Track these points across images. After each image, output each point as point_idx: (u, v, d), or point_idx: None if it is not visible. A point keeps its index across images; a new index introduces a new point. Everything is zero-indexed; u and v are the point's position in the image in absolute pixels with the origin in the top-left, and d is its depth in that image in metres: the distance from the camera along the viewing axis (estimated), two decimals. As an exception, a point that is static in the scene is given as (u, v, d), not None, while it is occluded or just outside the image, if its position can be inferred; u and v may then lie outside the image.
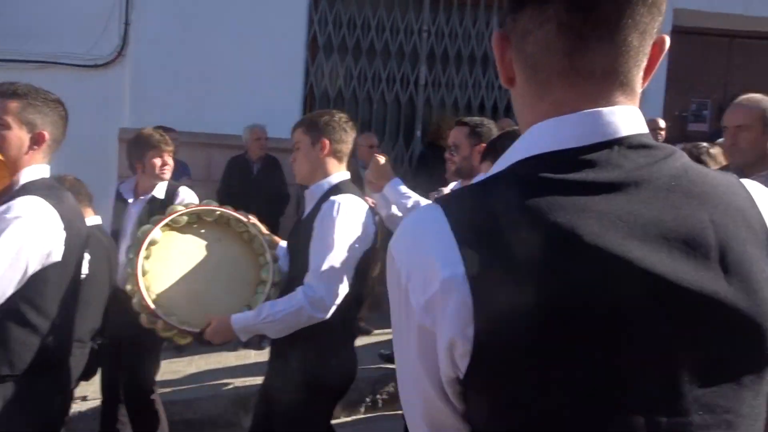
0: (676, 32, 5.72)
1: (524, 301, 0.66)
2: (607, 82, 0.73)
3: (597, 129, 0.72)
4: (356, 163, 5.15)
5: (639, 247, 0.67)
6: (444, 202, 0.74)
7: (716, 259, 0.69)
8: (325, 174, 2.27)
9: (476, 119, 2.92)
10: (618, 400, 0.69)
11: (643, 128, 0.74)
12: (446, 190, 2.65)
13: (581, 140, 0.72)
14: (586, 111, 0.72)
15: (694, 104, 7.09)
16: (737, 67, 6.91)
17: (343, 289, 2.12)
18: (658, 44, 0.75)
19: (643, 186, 0.70)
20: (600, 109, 0.72)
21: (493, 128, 2.78)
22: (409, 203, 2.86)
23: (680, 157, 0.74)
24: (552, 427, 0.69)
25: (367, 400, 4.18)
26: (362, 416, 4.15)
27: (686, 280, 0.68)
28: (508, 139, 2.02)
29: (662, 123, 5.56)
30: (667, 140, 5.01)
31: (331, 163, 2.27)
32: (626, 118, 0.73)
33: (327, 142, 2.24)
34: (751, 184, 0.76)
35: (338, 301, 2.11)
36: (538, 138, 0.74)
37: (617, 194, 0.69)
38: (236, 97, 5.46)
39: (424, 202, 2.93)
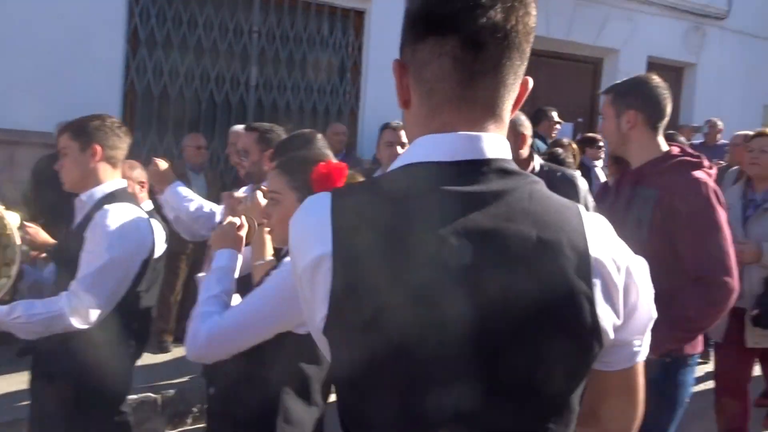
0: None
1: (361, 282, 0.79)
2: (485, 112, 0.86)
3: (467, 149, 0.85)
4: (183, 166, 4.95)
5: (470, 250, 0.79)
6: (334, 191, 0.88)
7: (535, 270, 0.80)
8: (98, 182, 2.15)
9: (266, 125, 2.97)
10: (426, 392, 0.79)
11: (506, 154, 0.87)
12: (237, 193, 2.66)
13: (453, 156, 0.84)
14: (462, 133, 0.85)
15: (507, 115, 7.79)
16: (542, 84, 7.67)
17: (111, 301, 2.03)
18: (524, 84, 0.90)
19: (489, 201, 0.82)
20: (473, 133, 0.85)
21: (282, 134, 2.84)
22: (192, 206, 2.80)
23: (532, 183, 0.87)
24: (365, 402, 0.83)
25: (194, 410, 4.03)
26: (189, 427, 4.00)
27: (500, 282, 0.79)
28: (293, 142, 2.09)
29: None
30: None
31: (104, 170, 2.16)
32: (493, 143, 0.86)
33: (99, 148, 2.13)
34: (588, 216, 0.88)
35: (103, 312, 2.02)
36: (420, 149, 0.87)
37: (467, 204, 0.81)
38: (46, 91, 4.95)
39: (208, 204, 2.90)
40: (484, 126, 0.86)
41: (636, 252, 0.89)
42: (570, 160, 3.70)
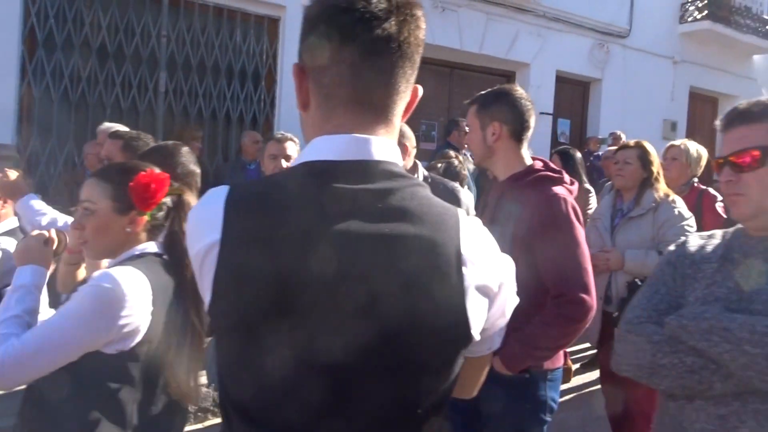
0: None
1: (242, 271, 0.83)
2: (377, 116, 0.92)
3: (357, 150, 0.89)
4: (84, 174, 4.77)
5: (350, 245, 0.82)
6: (232, 185, 0.91)
7: (411, 266, 0.84)
8: None
9: (132, 132, 2.87)
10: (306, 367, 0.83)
11: (393, 157, 0.92)
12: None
13: (343, 156, 0.89)
14: (353, 135, 0.90)
15: (423, 125, 7.95)
16: (457, 94, 7.92)
17: None
18: (414, 92, 0.97)
19: (372, 199, 0.86)
20: (363, 135, 0.90)
21: (150, 142, 2.73)
22: (44, 220, 2.66)
23: (414, 185, 0.92)
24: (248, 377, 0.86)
25: None
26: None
27: (378, 277, 0.83)
28: (154, 155, 2.03)
29: None
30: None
31: None
32: (381, 147, 0.91)
33: None
34: (466, 219, 0.93)
35: None
36: (314, 149, 0.91)
37: (351, 201, 0.84)
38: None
39: (63, 218, 2.74)
40: (375, 130, 0.91)
41: None
42: (465, 172, 3.82)
